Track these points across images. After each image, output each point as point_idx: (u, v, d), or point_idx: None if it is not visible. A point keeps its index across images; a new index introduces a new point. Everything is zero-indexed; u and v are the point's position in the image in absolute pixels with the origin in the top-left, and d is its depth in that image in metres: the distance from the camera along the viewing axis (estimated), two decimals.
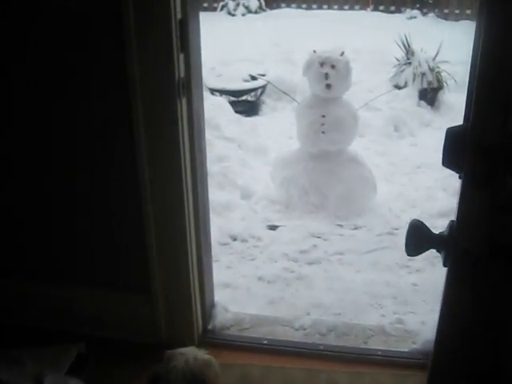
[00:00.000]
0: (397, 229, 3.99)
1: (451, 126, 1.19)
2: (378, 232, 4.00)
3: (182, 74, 2.12)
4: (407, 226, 1.27)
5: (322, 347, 2.63)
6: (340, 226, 4.14)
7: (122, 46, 2.06)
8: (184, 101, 2.15)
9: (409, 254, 1.30)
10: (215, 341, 2.62)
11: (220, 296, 2.96)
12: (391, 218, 4.19)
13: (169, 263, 2.40)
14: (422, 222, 1.26)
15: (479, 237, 1.16)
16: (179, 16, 2.02)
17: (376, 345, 2.66)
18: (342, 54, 4.40)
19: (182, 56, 2.09)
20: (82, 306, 2.62)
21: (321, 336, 2.70)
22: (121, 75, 2.12)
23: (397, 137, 5.90)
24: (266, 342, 2.65)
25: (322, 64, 4.33)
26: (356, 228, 4.09)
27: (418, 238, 1.26)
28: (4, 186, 2.50)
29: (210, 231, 2.59)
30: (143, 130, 2.15)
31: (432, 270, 3.35)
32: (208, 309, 2.66)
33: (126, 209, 2.41)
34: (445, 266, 1.27)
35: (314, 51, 4.47)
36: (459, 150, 1.10)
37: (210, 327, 2.66)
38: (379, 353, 2.60)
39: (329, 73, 4.29)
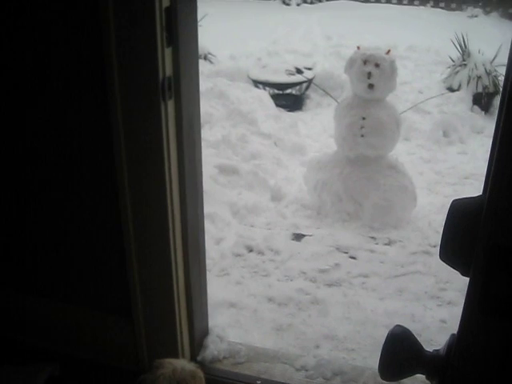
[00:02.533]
0: (434, 246, 3.60)
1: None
2: (412, 249, 3.61)
3: (169, 72, 1.78)
4: (386, 336, 0.86)
5: None
6: (373, 238, 3.78)
7: (100, 38, 1.74)
8: (171, 103, 1.82)
9: (384, 378, 0.91)
10: None
11: (222, 318, 2.68)
12: (430, 233, 3.78)
13: (151, 286, 2.09)
14: (409, 332, 0.86)
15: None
16: (166, 3, 1.68)
17: None
18: (388, 52, 4.01)
19: (168, 50, 1.75)
20: (58, 323, 2.35)
21: (324, 380, 2.32)
22: (98, 77, 1.81)
23: (445, 143, 5.41)
24: (259, 382, 2.29)
25: (365, 62, 3.95)
26: (389, 243, 3.72)
27: (400, 356, 0.85)
28: None
29: (204, 252, 2.25)
30: (123, 136, 1.83)
31: None
32: (199, 337, 2.33)
33: (105, 227, 2.12)
34: None
35: (358, 48, 4.10)
36: (468, 240, 0.69)
37: (199, 358, 2.32)
38: None
39: (372, 72, 3.91)
